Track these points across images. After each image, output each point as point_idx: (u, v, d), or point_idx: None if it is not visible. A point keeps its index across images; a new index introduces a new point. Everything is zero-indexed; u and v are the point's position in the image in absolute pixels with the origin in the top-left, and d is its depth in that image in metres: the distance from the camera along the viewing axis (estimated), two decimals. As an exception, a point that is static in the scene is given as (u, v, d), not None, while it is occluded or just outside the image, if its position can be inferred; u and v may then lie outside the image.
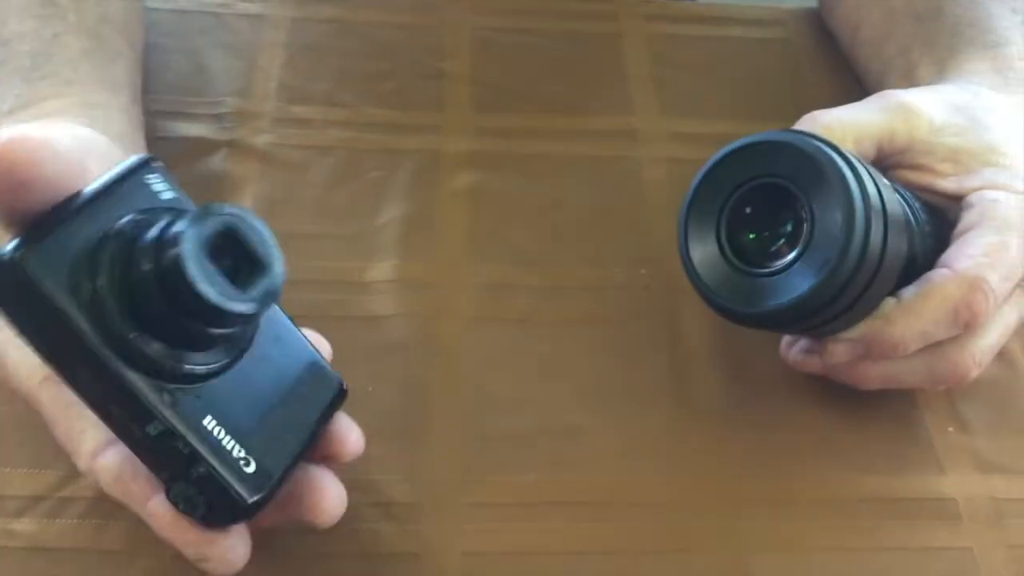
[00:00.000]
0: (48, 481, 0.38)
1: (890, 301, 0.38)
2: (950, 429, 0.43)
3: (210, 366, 0.30)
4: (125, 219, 0.29)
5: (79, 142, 0.29)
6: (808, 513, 0.40)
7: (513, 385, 0.43)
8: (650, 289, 0.47)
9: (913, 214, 0.40)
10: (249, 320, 0.31)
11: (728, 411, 0.43)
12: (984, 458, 0.42)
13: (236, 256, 0.28)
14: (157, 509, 0.31)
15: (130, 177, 0.30)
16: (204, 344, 0.30)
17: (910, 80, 0.49)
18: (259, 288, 0.28)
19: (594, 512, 0.39)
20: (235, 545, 0.32)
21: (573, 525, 0.39)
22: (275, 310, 0.34)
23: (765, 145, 0.37)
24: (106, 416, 0.29)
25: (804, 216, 0.36)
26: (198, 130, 0.50)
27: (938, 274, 0.38)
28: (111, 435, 0.30)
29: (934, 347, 0.39)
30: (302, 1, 0.58)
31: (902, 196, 0.40)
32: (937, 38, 0.49)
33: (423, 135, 0.52)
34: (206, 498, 0.30)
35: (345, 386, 0.35)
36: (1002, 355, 0.45)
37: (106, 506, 0.37)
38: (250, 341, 0.32)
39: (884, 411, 0.43)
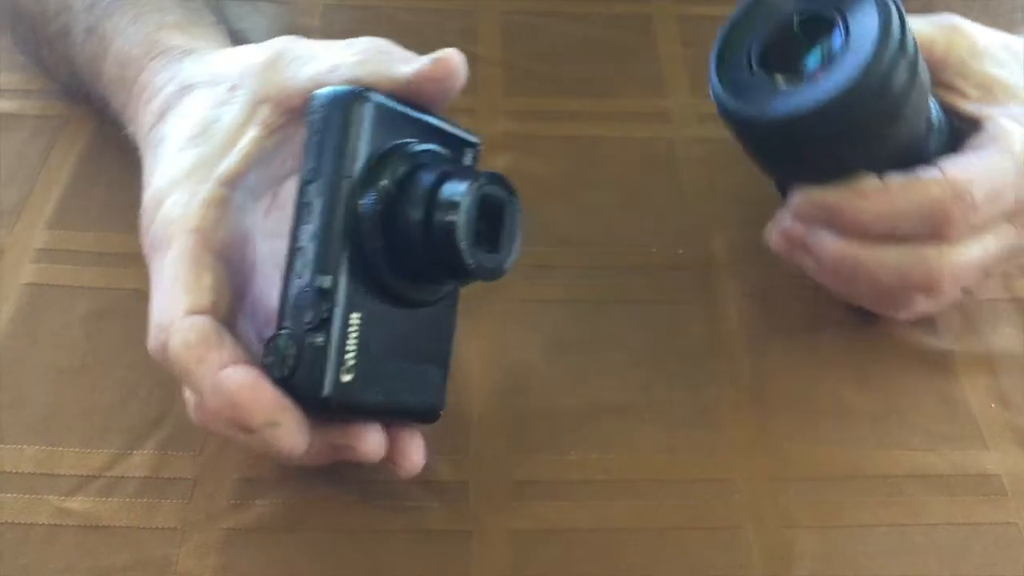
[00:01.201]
0: (100, 460, 0.39)
1: (870, 176, 0.38)
2: (992, 405, 0.43)
3: (405, 293, 0.33)
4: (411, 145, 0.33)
5: None
6: (850, 489, 0.40)
7: (554, 364, 0.43)
8: (688, 268, 0.47)
9: (937, 114, 0.40)
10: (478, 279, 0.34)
11: (767, 388, 0.43)
12: (1027, 434, 0.42)
13: (489, 222, 0.32)
14: (233, 373, 0.31)
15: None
16: (414, 276, 0.33)
17: None
18: (497, 259, 0.33)
19: (636, 489, 0.39)
20: (304, 424, 0.32)
21: (616, 502, 0.39)
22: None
23: None
24: (298, 248, 0.32)
25: (839, 30, 0.37)
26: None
27: (927, 171, 0.38)
28: (212, 305, 0.32)
29: (908, 245, 0.39)
30: (334, -13, 0.58)
31: (934, 96, 0.40)
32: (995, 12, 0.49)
33: (456, 118, 0.52)
34: (298, 365, 0.31)
35: (440, 413, 0.36)
36: (1043, 330, 0.45)
37: (158, 484, 0.38)
38: (438, 300, 0.35)
39: (926, 388, 0.43)
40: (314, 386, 0.31)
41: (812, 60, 0.38)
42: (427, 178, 0.32)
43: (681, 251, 0.48)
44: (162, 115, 0.38)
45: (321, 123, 0.32)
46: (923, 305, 0.42)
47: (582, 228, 0.48)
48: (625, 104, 0.55)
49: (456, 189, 0.31)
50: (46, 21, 0.46)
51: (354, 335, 0.31)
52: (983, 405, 0.43)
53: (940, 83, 0.42)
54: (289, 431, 0.31)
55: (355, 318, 0.31)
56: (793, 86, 0.38)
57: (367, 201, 0.32)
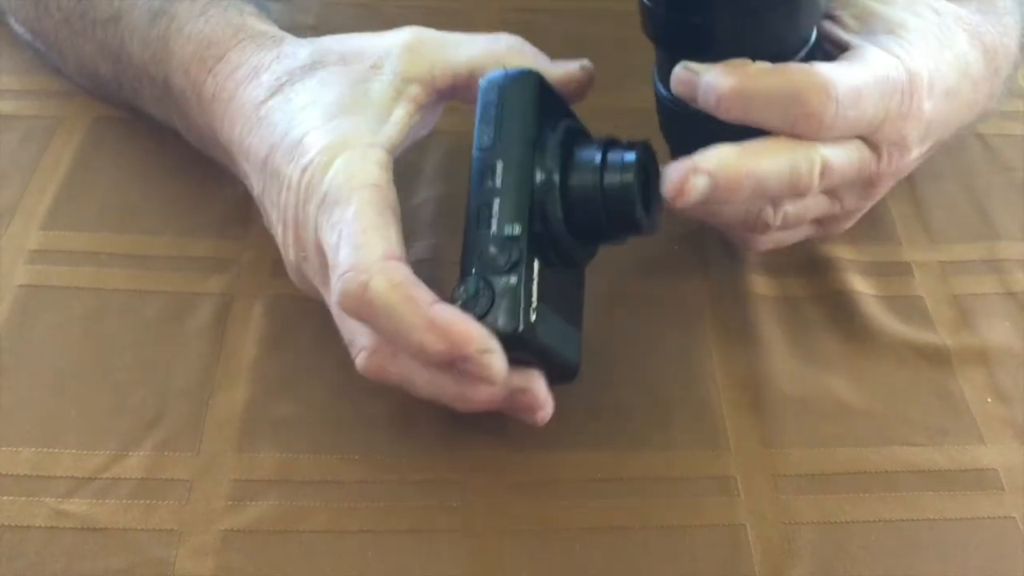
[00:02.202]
0: (96, 462, 0.38)
1: (747, 60, 0.37)
2: (989, 400, 0.43)
3: (573, 252, 0.37)
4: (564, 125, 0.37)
5: None
6: (850, 486, 0.40)
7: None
8: (685, 264, 0.47)
9: (814, 36, 0.40)
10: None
11: (767, 385, 0.43)
12: (1024, 428, 0.42)
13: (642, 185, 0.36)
14: (444, 308, 0.33)
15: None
16: (583, 234, 0.36)
17: None
18: (653, 215, 0.37)
19: (635, 487, 0.39)
20: (504, 361, 0.33)
21: (614, 501, 0.39)
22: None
23: None
24: (481, 204, 0.35)
25: None
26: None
27: (797, 64, 0.38)
28: (403, 256, 0.35)
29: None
30: (329, -15, 0.58)
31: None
32: None
33: (454, 116, 0.52)
34: (492, 303, 0.34)
35: (576, 373, 0.38)
36: (1040, 326, 0.45)
37: (154, 486, 0.38)
38: (584, 260, 0.39)
39: (923, 383, 0.43)
40: (509, 321, 0.33)
41: None
42: (593, 148, 0.37)
43: (677, 247, 0.48)
44: (280, 88, 0.40)
45: (499, 94, 0.36)
46: (775, 221, 0.41)
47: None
48: (622, 99, 0.54)
49: (626, 154, 0.36)
50: (94, 5, 0.46)
51: (536, 281, 0.34)
52: (979, 400, 0.43)
53: (826, 14, 0.42)
54: (499, 356, 0.33)
55: (536, 265, 0.35)
56: None
57: (549, 163, 0.36)
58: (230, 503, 0.38)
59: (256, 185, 0.40)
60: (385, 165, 0.37)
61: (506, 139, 0.36)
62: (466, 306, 0.34)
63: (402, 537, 0.37)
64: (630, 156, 0.36)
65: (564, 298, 0.37)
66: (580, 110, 0.54)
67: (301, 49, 0.41)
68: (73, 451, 0.39)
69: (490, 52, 0.39)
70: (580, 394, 0.42)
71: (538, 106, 0.36)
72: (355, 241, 0.34)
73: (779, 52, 0.38)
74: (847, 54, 0.40)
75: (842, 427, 0.42)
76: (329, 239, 0.35)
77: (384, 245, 0.34)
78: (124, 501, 0.37)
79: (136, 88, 0.47)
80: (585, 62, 0.40)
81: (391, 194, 0.36)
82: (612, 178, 0.36)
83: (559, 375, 0.37)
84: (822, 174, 0.38)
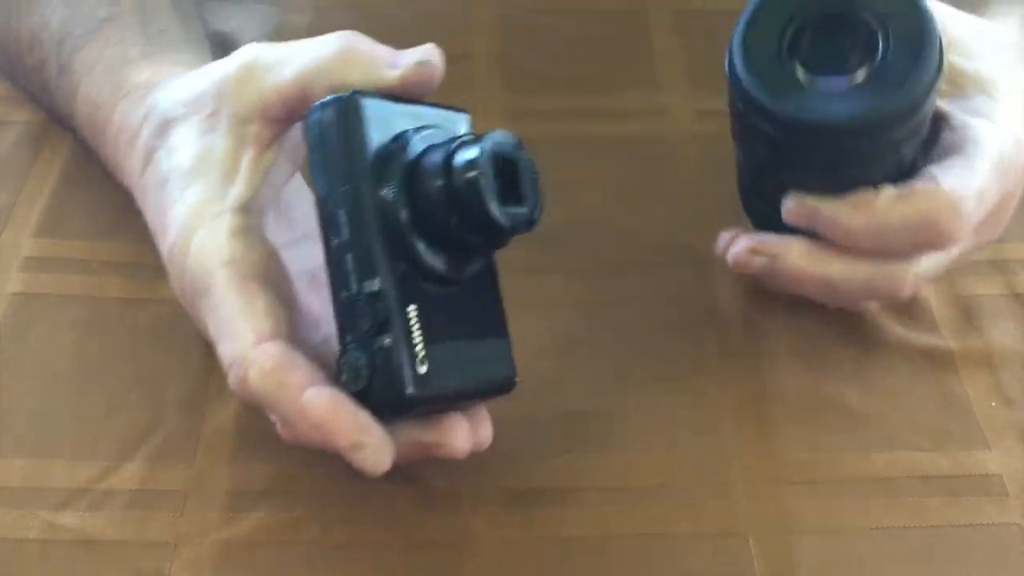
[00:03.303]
0: (90, 473, 0.38)
1: (867, 191, 0.38)
2: (993, 404, 0.42)
3: (446, 271, 0.33)
4: (411, 136, 0.33)
5: None
6: (852, 492, 0.39)
7: (549, 367, 0.42)
8: (687, 266, 0.46)
9: None
10: (505, 237, 0.34)
11: (768, 391, 0.42)
12: (1029, 432, 0.41)
13: (505, 178, 0.32)
14: (315, 396, 0.32)
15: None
16: (452, 251, 0.33)
17: None
18: (523, 212, 0.33)
19: (631, 496, 0.39)
20: (387, 440, 0.32)
21: (610, 509, 0.38)
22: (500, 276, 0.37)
23: None
24: (335, 262, 0.32)
25: (875, 39, 0.37)
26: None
27: (922, 183, 0.38)
28: (275, 327, 0.33)
29: (880, 262, 0.39)
30: (324, -14, 0.58)
31: None
32: None
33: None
34: (374, 374, 0.31)
35: (516, 380, 0.36)
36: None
37: (149, 497, 0.38)
38: (478, 273, 0.35)
39: (927, 387, 0.43)
40: (396, 387, 0.31)
41: (852, 64, 0.37)
42: (438, 152, 0.33)
43: (677, 251, 0.47)
44: (150, 156, 0.38)
45: (320, 137, 0.33)
46: (872, 304, 0.43)
47: (579, 228, 0.48)
48: (622, 101, 0.54)
49: (468, 151, 0.32)
50: (21, 54, 0.46)
51: (416, 326, 0.32)
52: (984, 403, 0.42)
53: None
54: (374, 451, 0.32)
55: (411, 310, 0.32)
56: (828, 89, 0.37)
57: (387, 191, 0.32)
58: (225, 514, 0.37)
59: None
60: (239, 230, 0.35)
61: (340, 183, 0.32)
62: (349, 382, 0.32)
63: (396, 548, 0.37)
64: (471, 152, 0.32)
65: (466, 318, 0.35)
66: (572, 111, 0.54)
67: (163, 100, 0.39)
68: (66, 461, 0.38)
69: (317, 63, 0.35)
70: (580, 401, 0.41)
71: (369, 130, 0.33)
72: (225, 333, 0.34)
73: (900, 162, 0.38)
74: (953, 135, 0.39)
75: (846, 432, 0.41)
76: (210, 332, 0.35)
77: (252, 329, 0.33)
78: (118, 513, 0.37)
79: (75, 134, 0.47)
80: (425, 54, 0.35)
81: (250, 260, 0.34)
82: (457, 180, 0.32)
83: (490, 392, 0.36)
84: (916, 284, 0.39)
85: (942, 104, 0.40)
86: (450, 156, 0.33)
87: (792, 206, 0.39)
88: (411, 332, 0.32)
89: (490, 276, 0.37)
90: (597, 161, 0.51)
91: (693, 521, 0.38)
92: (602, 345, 0.44)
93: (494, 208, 0.32)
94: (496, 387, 0.36)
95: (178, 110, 0.38)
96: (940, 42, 0.37)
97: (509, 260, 0.44)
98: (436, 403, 0.34)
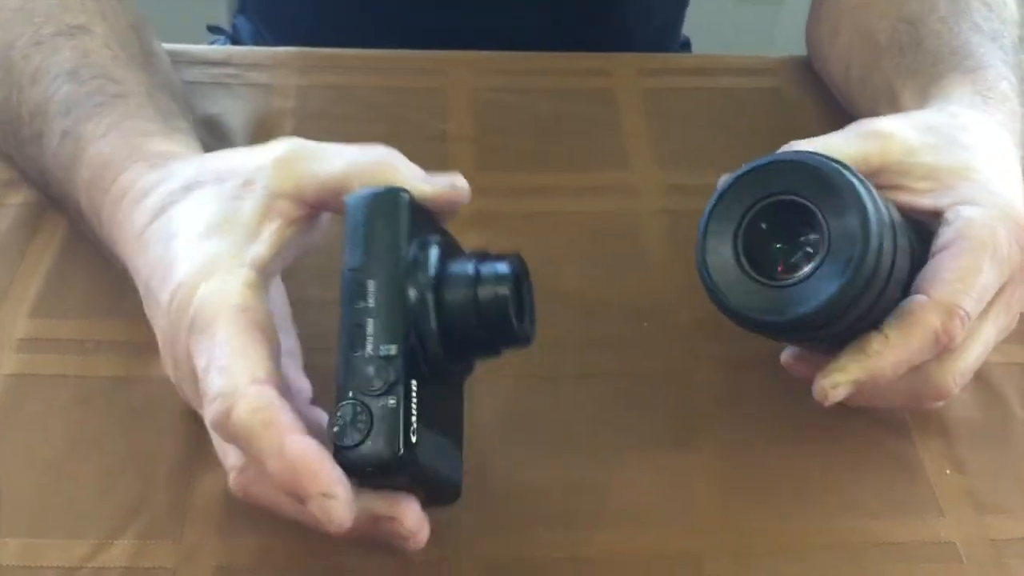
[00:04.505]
0: (82, 551, 0.39)
1: (874, 336, 0.40)
2: (947, 471, 0.44)
3: (444, 363, 0.36)
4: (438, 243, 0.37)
5: None
6: (815, 560, 0.41)
7: (518, 440, 0.44)
8: (654, 341, 0.48)
9: (904, 229, 0.41)
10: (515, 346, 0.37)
11: (734, 461, 0.44)
12: (982, 500, 0.43)
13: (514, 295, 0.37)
14: (298, 440, 0.33)
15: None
16: (458, 349, 0.36)
17: (895, 108, 0.51)
18: (529, 327, 0.38)
19: (610, 566, 0.40)
20: (352, 500, 0.33)
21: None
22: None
23: (775, 165, 0.40)
24: (354, 324, 0.35)
25: (820, 227, 0.39)
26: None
27: (916, 303, 0.40)
28: (268, 375, 0.34)
29: (916, 370, 0.41)
30: (306, 70, 0.60)
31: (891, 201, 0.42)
32: (920, 67, 0.52)
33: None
34: (371, 429, 0.33)
35: (459, 493, 0.38)
36: (996, 397, 0.47)
37: (138, 575, 0.39)
38: (458, 379, 0.39)
39: (885, 455, 0.45)
40: (389, 445, 0.33)
41: (803, 243, 0.40)
42: (466, 259, 0.37)
43: (646, 324, 0.49)
44: (163, 210, 0.40)
45: (366, 215, 0.36)
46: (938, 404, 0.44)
47: (550, 304, 0.49)
48: (592, 178, 0.56)
49: (499, 266, 0.37)
50: (20, 125, 0.48)
51: (415, 399, 0.34)
52: (938, 471, 0.44)
53: (888, 186, 0.43)
54: (341, 504, 0.33)
55: (414, 384, 0.34)
56: (789, 284, 0.39)
57: (420, 276, 0.36)
58: (212, 590, 0.39)
59: (144, 306, 0.41)
60: (253, 284, 0.37)
61: (376, 259, 0.36)
62: (342, 433, 0.33)
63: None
64: (503, 268, 0.36)
65: (443, 416, 0.37)
66: (544, 188, 0.56)
67: (185, 168, 0.41)
68: (59, 541, 0.40)
69: (359, 165, 0.38)
70: (553, 474, 0.43)
71: (408, 224, 0.36)
72: (221, 365, 0.35)
73: (899, 285, 0.40)
74: (945, 230, 0.41)
75: (807, 502, 0.43)
76: (199, 363, 0.35)
77: (250, 370, 0.34)
78: (108, 590, 0.38)
79: (63, 204, 0.48)
80: (457, 179, 0.39)
81: (260, 314, 0.36)
82: (486, 291, 0.36)
83: (441, 496, 0.37)
84: (960, 380, 0.42)
85: (931, 201, 0.42)
86: (478, 267, 0.36)
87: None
88: (411, 402, 0.34)
89: (462, 390, 0.39)
90: (567, 237, 0.53)
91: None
92: (572, 418, 0.45)
93: (515, 324, 0.36)
94: (447, 490, 0.37)
95: (207, 176, 0.40)
96: (876, 213, 0.38)
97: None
98: (410, 477, 0.35)
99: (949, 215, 0.42)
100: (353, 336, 0.35)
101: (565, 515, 0.42)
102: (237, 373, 0.34)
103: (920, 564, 0.41)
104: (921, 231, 0.43)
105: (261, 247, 0.38)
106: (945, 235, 0.41)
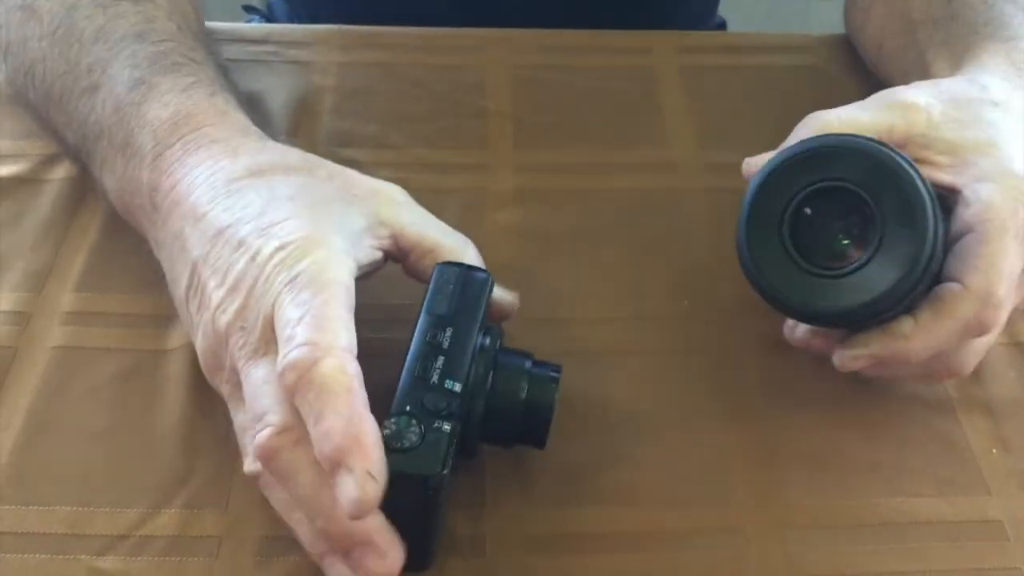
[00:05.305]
0: (129, 520, 0.40)
1: (905, 319, 0.40)
2: (994, 450, 0.44)
3: (471, 438, 0.39)
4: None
5: None
6: (857, 538, 0.41)
7: (563, 418, 0.44)
8: (695, 318, 0.48)
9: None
10: None
11: (776, 438, 0.44)
12: (1029, 478, 0.43)
13: None
14: (368, 417, 0.34)
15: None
16: (494, 433, 0.40)
17: (927, 78, 0.50)
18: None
19: (648, 541, 0.40)
20: (382, 491, 0.33)
21: (628, 555, 0.40)
22: None
23: (825, 150, 0.39)
24: (425, 354, 0.37)
25: (872, 215, 0.38)
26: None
27: (950, 292, 0.40)
28: (355, 352, 0.35)
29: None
30: (348, 47, 0.60)
31: None
32: (953, 38, 0.51)
33: (468, 174, 0.54)
34: (421, 442, 0.35)
35: (428, 565, 0.38)
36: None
37: (185, 543, 0.39)
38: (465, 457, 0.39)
39: (930, 434, 0.44)
40: (433, 462, 0.35)
41: (850, 247, 0.39)
42: (519, 355, 0.40)
43: (686, 302, 0.49)
44: (260, 173, 0.41)
45: (456, 280, 0.40)
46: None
47: (589, 280, 0.50)
48: (632, 155, 0.56)
49: (552, 371, 0.40)
50: (79, 75, 0.47)
51: (455, 438, 0.36)
52: (984, 450, 0.44)
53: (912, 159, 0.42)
54: (376, 488, 0.33)
55: (456, 425, 0.36)
56: (840, 273, 0.39)
57: (489, 349, 0.39)
58: (258, 559, 0.39)
59: (195, 247, 0.40)
60: (354, 274, 0.38)
61: (459, 314, 0.38)
62: (392, 437, 0.35)
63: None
64: (556, 373, 0.40)
65: (449, 484, 0.37)
66: (583, 165, 0.56)
67: (292, 152, 0.43)
68: (107, 509, 0.40)
69: (452, 247, 0.42)
70: (598, 450, 0.43)
71: (487, 303, 0.40)
72: (321, 323, 0.35)
73: (934, 275, 0.40)
74: (965, 213, 0.41)
75: (850, 479, 0.43)
76: (290, 314, 0.36)
77: (347, 338, 0.35)
78: (156, 558, 0.39)
79: (90, 152, 0.47)
80: (516, 297, 0.43)
81: (353, 305, 0.37)
82: (536, 389, 0.39)
83: (415, 557, 0.37)
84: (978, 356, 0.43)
85: (950, 177, 0.42)
86: (532, 364, 0.40)
87: (853, 365, 0.42)
88: (455, 437, 0.36)
89: (454, 478, 0.38)
90: (606, 214, 0.53)
91: (705, 567, 0.40)
92: (612, 395, 0.45)
93: (548, 429, 0.39)
94: (422, 553, 0.37)
95: (319, 170, 0.42)
96: (931, 204, 0.38)
97: (524, 311, 0.46)
98: (428, 501, 0.35)
99: (967, 193, 0.41)
100: (423, 365, 0.37)
101: (605, 491, 0.42)
102: (336, 334, 0.35)
103: (966, 543, 0.41)
104: (943, 205, 0.42)
105: (363, 251, 0.40)
106: (966, 217, 0.41)
